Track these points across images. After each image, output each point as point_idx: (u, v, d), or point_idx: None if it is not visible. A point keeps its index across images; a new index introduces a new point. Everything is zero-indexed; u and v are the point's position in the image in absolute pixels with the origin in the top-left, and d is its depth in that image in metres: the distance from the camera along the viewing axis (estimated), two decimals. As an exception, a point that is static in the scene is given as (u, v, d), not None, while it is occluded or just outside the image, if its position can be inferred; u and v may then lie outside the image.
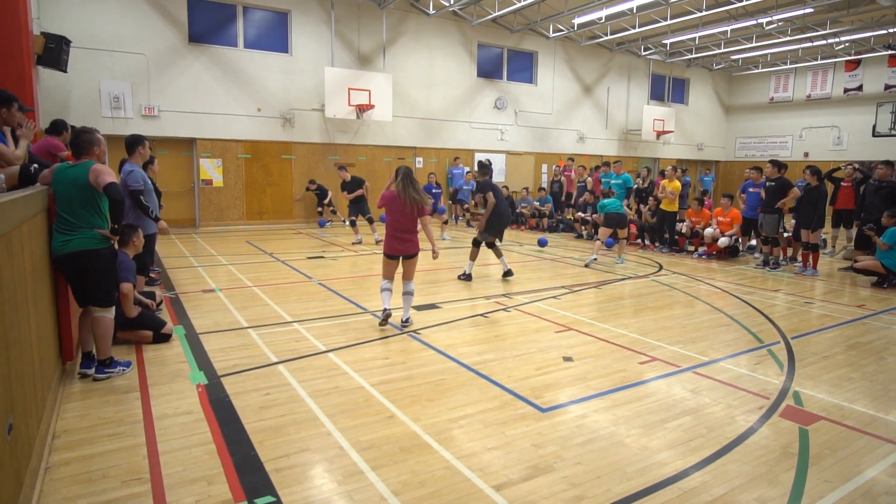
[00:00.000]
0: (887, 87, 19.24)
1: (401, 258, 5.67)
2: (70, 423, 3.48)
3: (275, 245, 11.51)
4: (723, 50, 19.94)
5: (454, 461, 3.09)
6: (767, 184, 9.74)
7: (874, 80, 20.13)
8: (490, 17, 16.32)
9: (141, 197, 5.96)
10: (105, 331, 4.20)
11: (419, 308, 6.52)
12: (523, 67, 19.06)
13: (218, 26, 13.95)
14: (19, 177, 4.20)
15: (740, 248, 11.16)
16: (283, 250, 10.81)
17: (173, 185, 13.73)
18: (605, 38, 18.68)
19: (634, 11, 15.68)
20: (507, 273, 8.28)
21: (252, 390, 4.03)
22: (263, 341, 5.17)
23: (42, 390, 3.26)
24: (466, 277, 8.17)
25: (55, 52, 9.46)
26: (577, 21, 16.99)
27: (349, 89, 14.68)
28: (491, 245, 8.35)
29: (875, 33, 17.06)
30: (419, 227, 5.70)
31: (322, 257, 10.08)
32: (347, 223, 12.99)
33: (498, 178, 18.03)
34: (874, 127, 16.75)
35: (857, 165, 11.21)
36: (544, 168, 19.59)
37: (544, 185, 17.97)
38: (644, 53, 20.80)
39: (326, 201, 14.62)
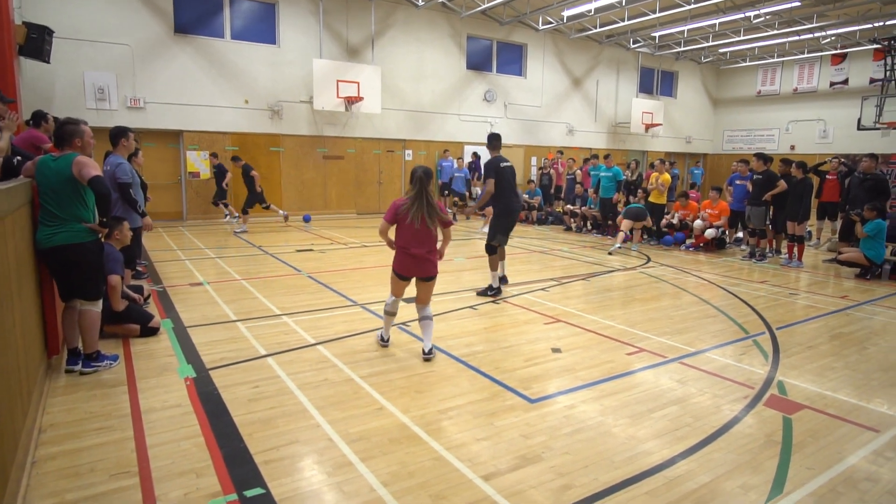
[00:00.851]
0: (872, 80, 19.40)
1: (414, 280, 4.65)
2: (56, 418, 3.45)
3: (263, 238, 11.45)
4: (711, 43, 20.02)
5: (443, 452, 3.11)
6: (754, 177, 9.83)
7: (859, 73, 20.31)
8: (479, 9, 16.25)
9: (129, 191, 5.89)
10: (92, 324, 4.16)
11: (408, 301, 6.51)
12: (513, 60, 19.02)
13: (204, 17, 13.77)
14: (2, 169, 4.15)
15: (727, 240, 11.27)
16: (272, 243, 10.75)
17: (160, 177, 13.59)
18: (595, 30, 18.68)
19: (623, 4, 15.69)
20: (501, 281, 7.01)
21: (241, 383, 4.02)
22: (252, 334, 5.15)
23: (27, 384, 3.24)
24: (495, 292, 6.76)
25: (37, 42, 9.30)
26: (567, 13, 16.97)
27: (338, 81, 14.58)
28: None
29: (861, 27, 17.20)
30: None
31: (311, 250, 10.04)
32: (278, 215, 13.06)
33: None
34: (859, 120, 16.89)
35: (842, 159, 11.35)
36: (533, 161, 19.61)
37: (533, 177, 18.00)
38: (633, 46, 20.84)
39: (226, 182, 12.88)
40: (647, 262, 9.49)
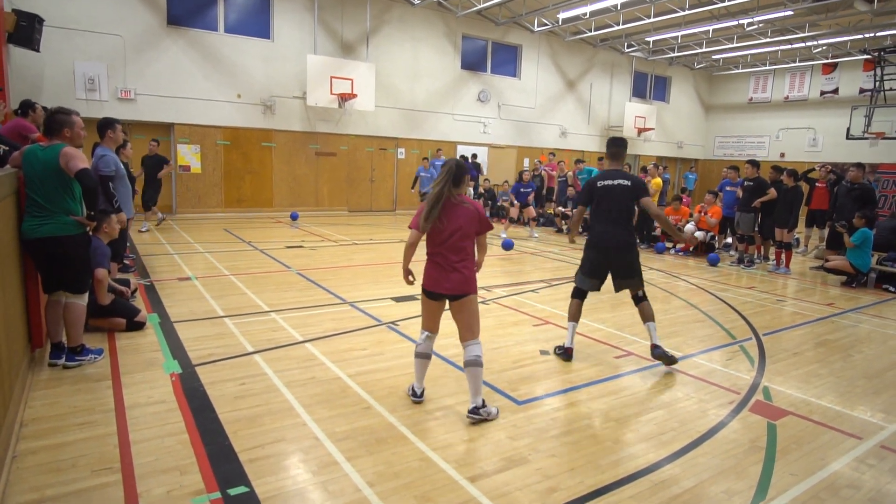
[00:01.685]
0: (862, 90, 19.63)
1: (447, 300, 3.67)
2: (39, 412, 3.41)
3: (253, 234, 11.38)
4: (704, 49, 20.16)
5: (429, 452, 3.10)
6: (745, 183, 9.90)
7: (849, 83, 20.54)
8: (475, 8, 16.25)
9: (109, 184, 5.79)
10: (77, 318, 4.11)
11: (398, 300, 6.51)
12: (507, 61, 19.04)
13: (197, 9, 13.65)
14: (-12, 158, 4.08)
15: (716, 245, 11.35)
16: (262, 239, 10.69)
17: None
18: (589, 33, 18.74)
19: (618, 8, 15.75)
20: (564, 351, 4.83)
21: (227, 380, 3.99)
22: (240, 331, 5.12)
23: (9, 377, 3.19)
24: (564, 353, 4.76)
25: (27, 30, 9.19)
26: (562, 16, 17.01)
27: (331, 77, 14.52)
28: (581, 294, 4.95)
29: (852, 38, 17.39)
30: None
31: (301, 247, 9.99)
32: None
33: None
34: (848, 129, 17.07)
35: (830, 167, 11.46)
36: (526, 162, 19.64)
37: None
38: (627, 50, 20.93)
39: (163, 172, 11.09)
40: (636, 266, 9.53)
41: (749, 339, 5.60)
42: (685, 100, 24.44)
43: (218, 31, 13.83)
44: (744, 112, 24.00)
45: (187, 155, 13.88)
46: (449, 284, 3.58)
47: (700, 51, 20.38)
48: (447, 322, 5.69)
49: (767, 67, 22.24)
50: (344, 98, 14.75)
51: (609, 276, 4.87)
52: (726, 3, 14.58)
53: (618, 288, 4.90)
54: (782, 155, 22.08)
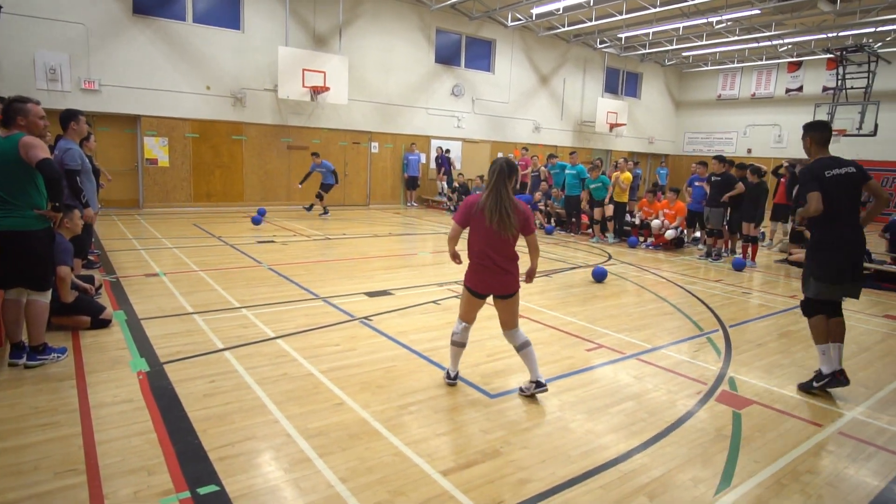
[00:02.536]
0: (825, 88, 20.20)
1: (492, 297, 3.81)
2: (-2, 413, 3.31)
3: (224, 228, 11.19)
4: (674, 46, 20.47)
5: (403, 447, 3.10)
6: (712, 178, 10.11)
7: (813, 81, 21.11)
8: (449, 2, 16.21)
9: (77, 178, 5.64)
10: (39, 316, 3.99)
11: (372, 295, 6.48)
12: (481, 55, 19.05)
13: (165, -2, 13.32)
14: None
15: (685, 239, 11.57)
16: (233, 234, 10.52)
17: (115, 163, 13.09)
18: (563, 29, 18.87)
19: (591, 4, 15.88)
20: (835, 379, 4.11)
21: (196, 377, 3.92)
22: (209, 327, 5.03)
23: (-34, 378, 3.08)
24: (826, 381, 4.10)
25: (-17, 17, 8.83)
26: (536, 11, 17.09)
27: (303, 70, 14.32)
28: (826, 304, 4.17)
29: (815, 37, 17.86)
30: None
31: (273, 241, 9.87)
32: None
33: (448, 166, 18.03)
34: (812, 126, 17.61)
35: (786, 164, 11.78)
36: (499, 157, 19.69)
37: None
38: (600, 46, 21.13)
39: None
40: (608, 260, 9.67)
41: (716, 330, 5.73)
42: (656, 96, 24.81)
43: (186, 21, 13.50)
44: (713, 109, 24.48)
45: (154, 148, 13.55)
46: (500, 286, 3.74)
47: (670, 48, 20.69)
48: (422, 316, 5.69)
49: (735, 65, 22.71)
50: (316, 91, 14.57)
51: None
52: (696, 1, 14.83)
53: (853, 294, 4.14)
54: (749, 151, 22.61)
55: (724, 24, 17.13)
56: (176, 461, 2.87)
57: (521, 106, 20.06)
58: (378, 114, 16.74)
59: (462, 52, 18.47)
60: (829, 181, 4.04)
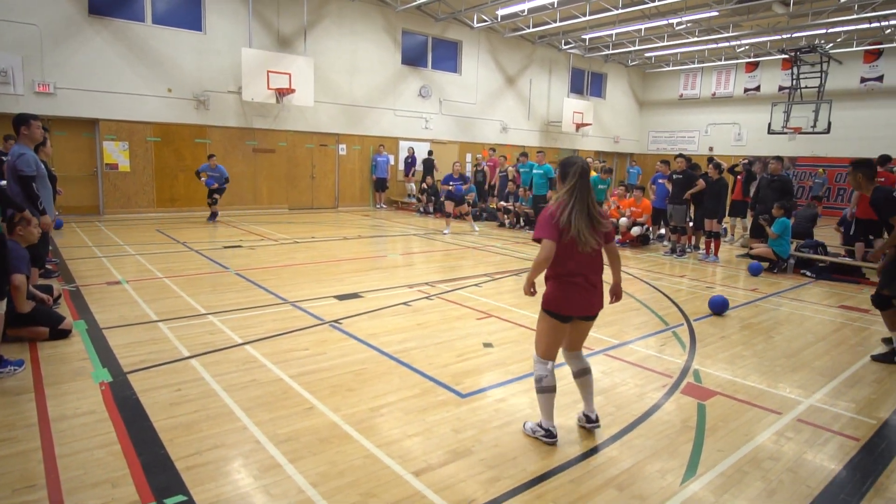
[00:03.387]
0: (781, 88, 20.88)
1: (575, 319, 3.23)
2: (-49, 430, 3.18)
3: (188, 234, 10.96)
4: (637, 47, 20.88)
5: (374, 450, 3.10)
6: (675, 176, 10.35)
7: (770, 81, 21.80)
8: (414, 3, 16.21)
9: (32, 185, 5.45)
10: (-8, 327, 3.85)
11: (341, 298, 6.44)
12: (448, 56, 19.10)
13: (122, -1, 12.98)
14: None
15: (651, 236, 11.81)
16: (198, 239, 10.31)
17: (73, 169, 12.72)
18: (528, 30, 19.06)
19: (556, 6, 16.08)
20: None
21: (161, 386, 3.84)
22: (175, 335, 4.93)
23: (-85, 395, 2.95)
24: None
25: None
26: (501, 13, 17.22)
27: (268, 72, 14.14)
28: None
29: (771, 38, 18.45)
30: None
31: (240, 246, 9.71)
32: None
33: (420, 167, 18.03)
34: (769, 125, 18.14)
35: (743, 162, 12.16)
36: (468, 157, 19.80)
37: (468, 174, 18.17)
38: (564, 47, 21.41)
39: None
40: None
41: (681, 324, 5.87)
42: (620, 96, 25.26)
43: (145, 22, 13.18)
44: (675, 108, 25.06)
45: (114, 152, 13.19)
46: (589, 306, 3.20)
47: (633, 49, 21.10)
48: (392, 318, 5.68)
49: (696, 65, 23.30)
50: (282, 93, 14.40)
51: None
52: (657, 3, 15.16)
53: None
54: (711, 149, 23.19)
55: (684, 26, 17.56)
56: (141, 472, 2.81)
57: (489, 106, 20.19)
58: (345, 115, 16.63)
59: (428, 54, 18.49)
60: None
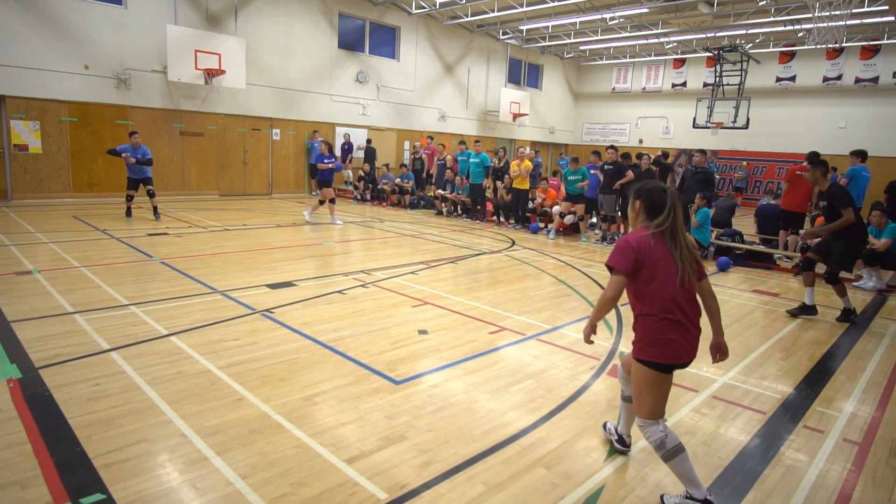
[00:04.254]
0: (705, 84, 21.94)
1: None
2: None
3: (109, 221, 10.35)
4: (572, 40, 21.33)
5: (306, 439, 3.06)
6: (605, 167, 10.70)
7: (695, 77, 22.86)
8: (351, -14, 15.86)
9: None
10: None
11: (274, 287, 6.29)
12: (386, 42, 18.85)
13: (31, -34, 11.98)
14: None
15: (581, 229, 12.17)
16: (120, 226, 9.76)
17: (-24, 149, 11.71)
18: (466, 19, 19.07)
19: (493, -5, 16.17)
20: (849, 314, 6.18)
21: (78, 381, 3.63)
22: (93, 327, 4.66)
23: None
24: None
25: None
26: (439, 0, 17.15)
27: (196, 51, 13.47)
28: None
29: (696, 36, 19.32)
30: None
31: (166, 234, 9.27)
32: None
33: (359, 154, 17.78)
34: (694, 119, 19.06)
35: (657, 155, 12.70)
36: (406, 145, 19.70)
37: (406, 161, 18.10)
38: (502, 38, 21.59)
39: None
40: (511, 246, 9.99)
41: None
42: (556, 87, 25.79)
43: (57, -7, 12.24)
44: (608, 101, 25.85)
45: (24, 133, 12.23)
46: (695, 350, 2.66)
47: (569, 41, 21.54)
48: (327, 307, 5.60)
49: (628, 60, 24.08)
50: (211, 74, 13.77)
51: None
52: (590, -3, 15.53)
53: None
54: (640, 141, 24.12)
55: (616, 21, 18.10)
56: (55, 472, 2.65)
57: (427, 94, 20.12)
58: (279, 99, 16.13)
59: (366, 39, 18.18)
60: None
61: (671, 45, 21.28)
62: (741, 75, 18.22)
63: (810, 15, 12.82)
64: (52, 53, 12.18)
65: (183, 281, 6.34)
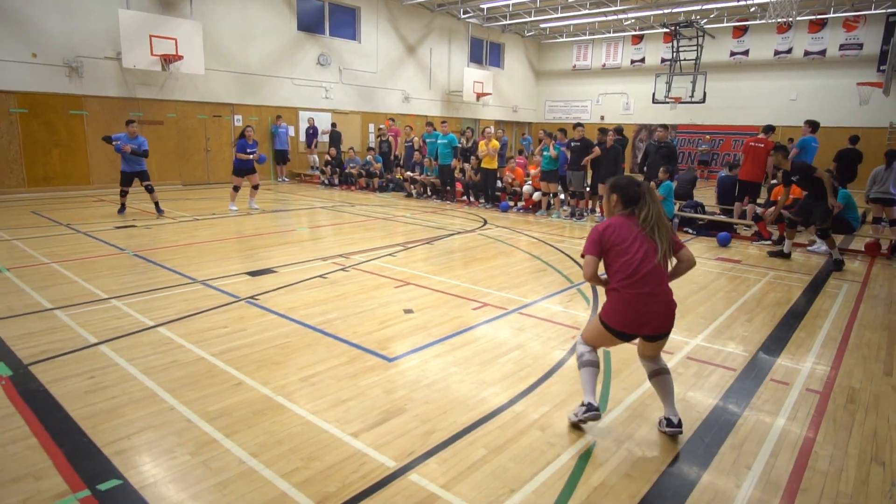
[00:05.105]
0: (663, 60, 22.37)
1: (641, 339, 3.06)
2: None
3: (71, 215, 10.07)
4: (533, 18, 21.42)
5: (310, 416, 3.17)
6: (572, 144, 10.92)
7: (653, 53, 23.30)
8: (308, -34, 15.54)
9: None
10: None
11: (254, 274, 6.30)
12: (346, 23, 18.58)
13: (-33, -51, 11.36)
14: None
15: (551, 202, 12.42)
16: (83, 220, 9.52)
17: (-79, 145, 11.17)
18: (426, -2, 18.94)
19: (453, -26, 16.08)
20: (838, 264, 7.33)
21: (72, 376, 3.64)
22: (76, 322, 4.63)
23: None
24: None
25: None
26: (399, -21, 16.96)
27: (151, 36, 13.06)
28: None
29: (653, 13, 19.64)
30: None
31: (134, 226, 9.10)
32: None
33: (325, 138, 17.60)
34: (653, 95, 19.49)
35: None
36: (371, 127, 19.58)
37: (372, 144, 18.00)
38: (463, 17, 21.52)
39: None
40: (483, 225, 10.16)
41: (583, 282, 6.35)
42: (518, 66, 25.90)
43: (-2, -23, 11.66)
44: (569, 78, 26.13)
45: (-29, 126, 11.70)
46: (658, 316, 2.94)
47: (529, 19, 21.62)
48: (310, 291, 5.66)
49: (587, 37, 24.34)
50: (168, 60, 13.39)
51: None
52: (549, -25, 15.61)
53: None
54: (602, 118, 24.52)
55: (575, -2, 18.26)
56: (66, 462, 2.70)
57: (390, 76, 19.97)
58: (240, 84, 15.79)
59: (326, 20, 17.88)
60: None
61: (629, 22, 21.59)
62: (697, 50, 18.67)
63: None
64: (-4, 42, 11.63)
65: (160, 272, 6.29)
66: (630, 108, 24.14)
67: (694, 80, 18.53)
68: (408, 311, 5.12)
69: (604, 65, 24.79)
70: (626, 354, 4.21)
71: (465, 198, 13.28)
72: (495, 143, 12.08)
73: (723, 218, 10.18)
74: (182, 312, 4.94)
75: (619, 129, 11.62)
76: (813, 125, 9.96)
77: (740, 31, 20.93)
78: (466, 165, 13.27)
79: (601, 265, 3.05)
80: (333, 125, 17.53)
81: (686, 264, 3.06)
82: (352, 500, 2.47)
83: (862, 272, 7.31)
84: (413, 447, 2.88)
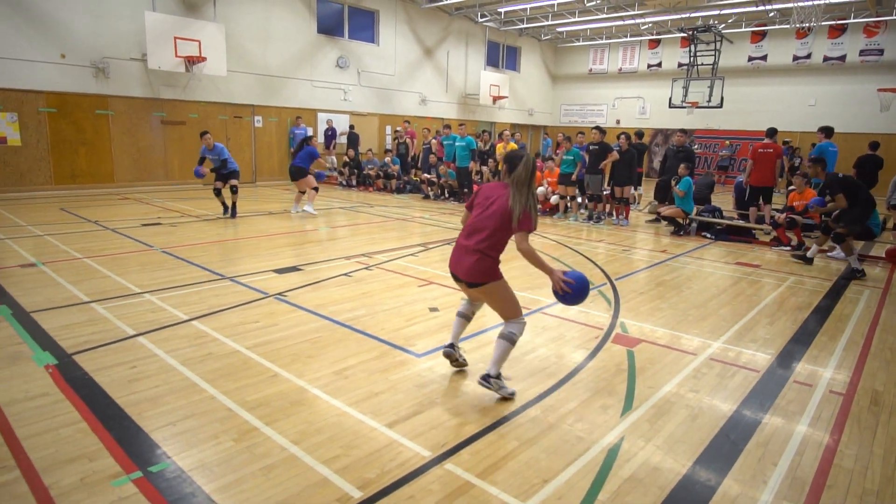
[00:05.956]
0: (680, 64, 22.35)
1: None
2: None
3: (98, 212, 10.30)
4: (550, 22, 21.50)
5: (345, 408, 3.28)
6: (591, 147, 10.97)
7: (670, 58, 23.25)
8: (330, -30, 15.73)
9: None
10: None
11: (280, 272, 6.44)
12: (365, 26, 18.77)
13: (1, -48, 11.66)
14: None
15: (568, 205, 12.48)
16: (110, 217, 9.73)
17: (-46, 143, 11.47)
18: (445, 2, 19.08)
19: (472, -22, 16.20)
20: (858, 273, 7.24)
21: (114, 365, 3.78)
22: (113, 315, 4.78)
23: None
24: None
25: None
26: (418, -17, 17.12)
27: (175, 38, 13.31)
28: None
29: (671, 17, 19.64)
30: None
31: (159, 224, 9.29)
32: None
33: (343, 140, 17.78)
34: (670, 99, 19.46)
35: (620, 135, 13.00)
36: (388, 129, 19.74)
37: (389, 146, 18.16)
38: (480, 20, 21.64)
39: None
40: (502, 227, 10.21)
41: (604, 284, 6.41)
42: (534, 70, 25.96)
43: (30, -20, 11.95)
44: (585, 82, 26.14)
45: (1, 124, 12.00)
46: (458, 262, 3.55)
47: (546, 23, 21.70)
48: (337, 289, 5.78)
49: (604, 41, 24.35)
50: (191, 61, 13.63)
51: None
52: (568, -21, 15.67)
53: None
54: (618, 121, 24.51)
55: (593, 2, 18.29)
56: (117, 445, 2.83)
57: (407, 78, 20.13)
58: (261, 86, 16.02)
59: (345, 23, 18.08)
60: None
61: (647, 26, 21.58)
62: (715, 55, 18.61)
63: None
64: (26, 42, 11.93)
65: (189, 268, 6.45)
66: (646, 113, 24.10)
67: (711, 84, 18.48)
68: (433, 310, 5.22)
69: (620, 69, 24.78)
70: (649, 354, 4.29)
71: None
72: (513, 146, 12.17)
73: (740, 223, 10.18)
74: (213, 307, 5.08)
75: (639, 134, 11.67)
76: (826, 131, 9.96)
77: (759, 36, 20.84)
78: (484, 168, 13.36)
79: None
80: (351, 127, 17.71)
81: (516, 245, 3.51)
82: (392, 486, 2.57)
83: (883, 278, 7.31)
84: (446, 438, 2.98)
